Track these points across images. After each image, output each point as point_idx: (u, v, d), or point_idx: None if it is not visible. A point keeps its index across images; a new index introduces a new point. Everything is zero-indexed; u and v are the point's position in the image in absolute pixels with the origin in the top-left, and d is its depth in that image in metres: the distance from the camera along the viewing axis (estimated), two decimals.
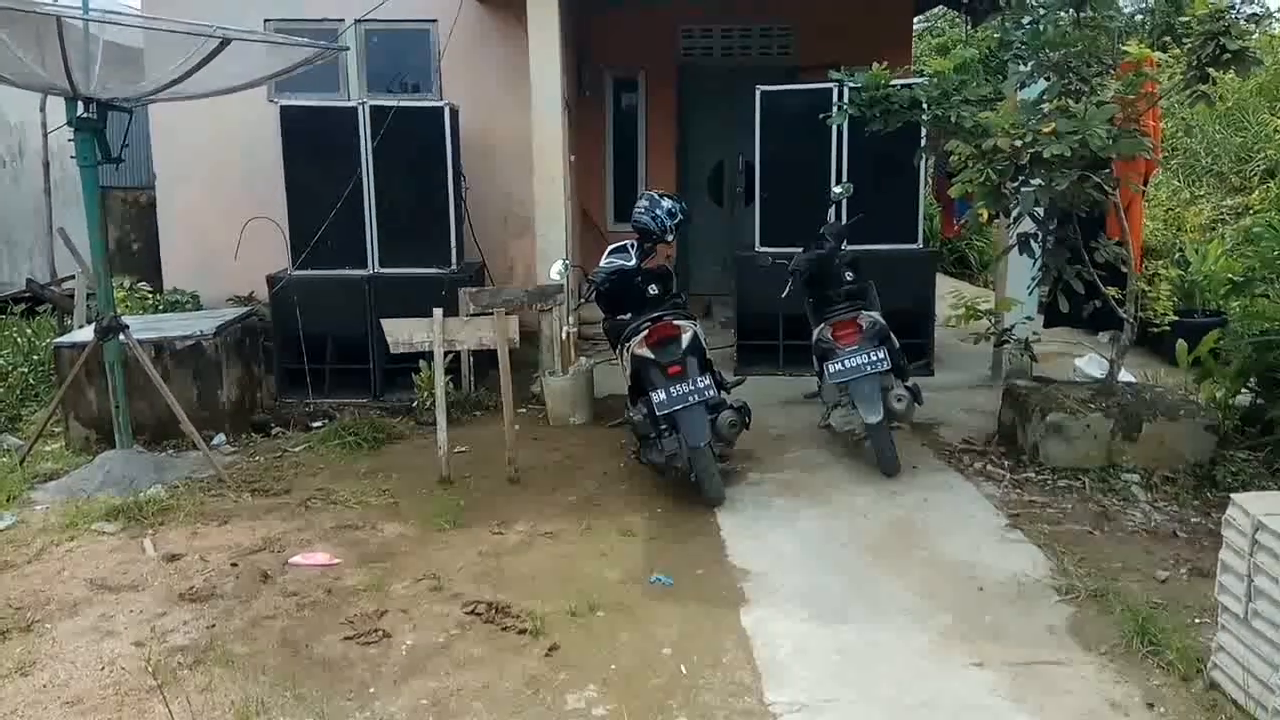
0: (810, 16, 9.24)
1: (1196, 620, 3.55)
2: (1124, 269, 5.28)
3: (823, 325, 5.40)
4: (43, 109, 9.93)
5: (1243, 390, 5.50)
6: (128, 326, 5.46)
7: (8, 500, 5.02)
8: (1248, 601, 2.94)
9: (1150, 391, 5.42)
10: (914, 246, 7.28)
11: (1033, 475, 5.05)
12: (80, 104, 5.11)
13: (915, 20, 11.66)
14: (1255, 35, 11.50)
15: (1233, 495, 3.12)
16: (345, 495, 5.04)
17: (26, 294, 9.61)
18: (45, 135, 10.05)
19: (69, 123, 5.17)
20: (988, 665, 3.32)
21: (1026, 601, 3.78)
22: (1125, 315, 5.28)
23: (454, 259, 7.16)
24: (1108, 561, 4.08)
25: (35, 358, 7.38)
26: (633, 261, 5.31)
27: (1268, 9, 14.19)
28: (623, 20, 9.11)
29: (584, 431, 6.21)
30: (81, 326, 7.06)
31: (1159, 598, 3.74)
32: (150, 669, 3.32)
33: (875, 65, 5.21)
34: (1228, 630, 3.05)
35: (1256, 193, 9.65)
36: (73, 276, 8.02)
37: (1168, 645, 3.31)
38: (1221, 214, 9.74)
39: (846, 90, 5.92)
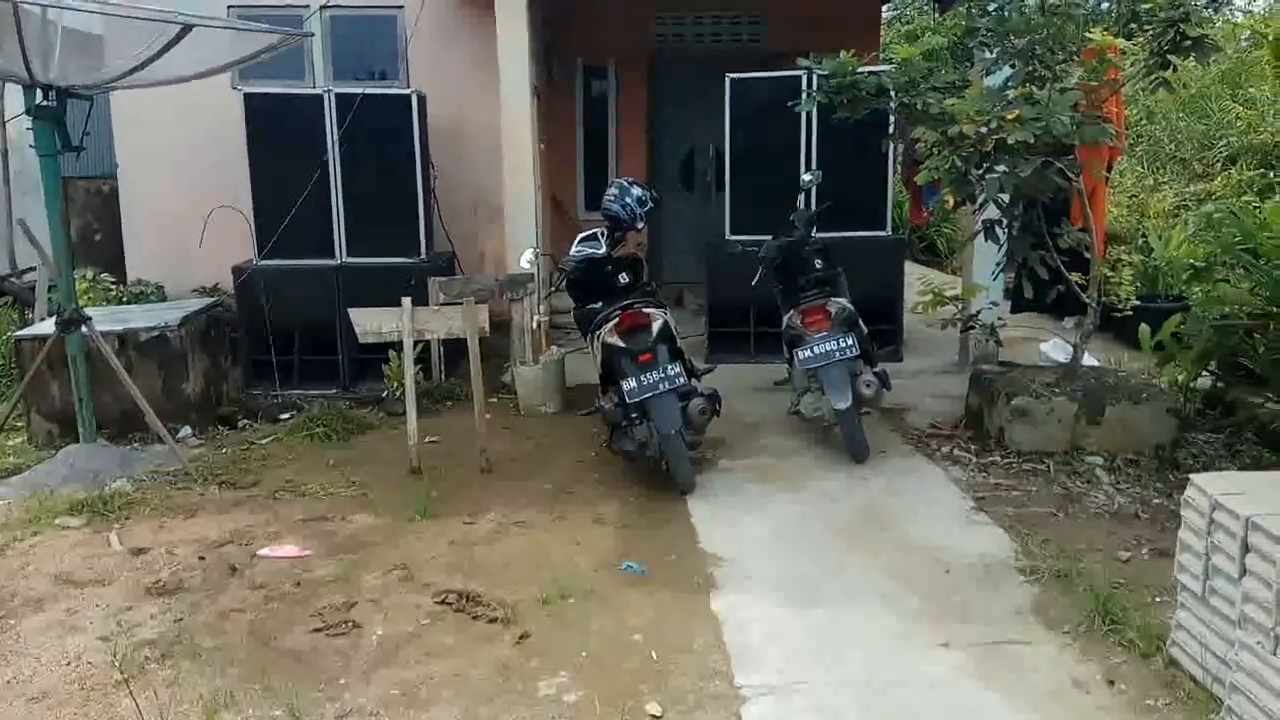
0: (781, 4, 9.24)
1: (1157, 599, 3.62)
2: (1087, 255, 5.35)
3: (792, 312, 5.43)
4: (0, 97, 9.72)
5: (1204, 374, 5.60)
6: (90, 318, 5.38)
7: None
8: (1205, 580, 3.00)
9: (1114, 375, 5.50)
10: (883, 233, 7.33)
11: (999, 459, 5.12)
12: (39, 92, 5.01)
13: (884, 7, 11.70)
14: (1217, 24, 11.63)
15: (1191, 476, 3.17)
16: (314, 487, 5.01)
17: None
18: (3, 124, 9.84)
19: (28, 111, 5.07)
20: (955, 645, 3.37)
21: (992, 583, 3.84)
22: (1089, 300, 5.34)
23: (423, 248, 7.11)
24: (1071, 543, 4.15)
25: None
26: (603, 250, 5.31)
27: None
28: (594, 7, 9.06)
29: (555, 420, 6.21)
30: (43, 319, 6.94)
31: (1121, 578, 3.80)
32: (116, 663, 3.28)
33: (843, 53, 5.23)
34: (1186, 608, 3.12)
35: (1219, 179, 9.78)
36: (34, 268, 7.89)
37: (1129, 624, 3.38)
38: (1184, 200, 9.86)
39: (815, 78, 5.93)
